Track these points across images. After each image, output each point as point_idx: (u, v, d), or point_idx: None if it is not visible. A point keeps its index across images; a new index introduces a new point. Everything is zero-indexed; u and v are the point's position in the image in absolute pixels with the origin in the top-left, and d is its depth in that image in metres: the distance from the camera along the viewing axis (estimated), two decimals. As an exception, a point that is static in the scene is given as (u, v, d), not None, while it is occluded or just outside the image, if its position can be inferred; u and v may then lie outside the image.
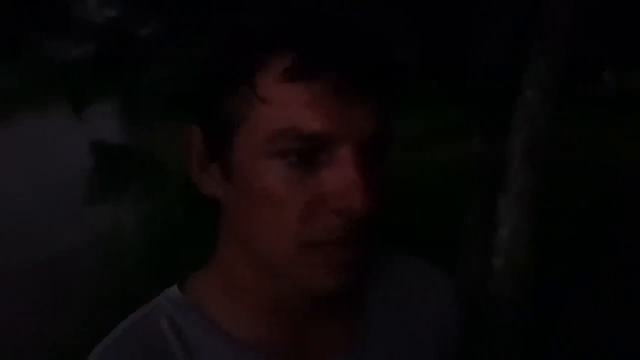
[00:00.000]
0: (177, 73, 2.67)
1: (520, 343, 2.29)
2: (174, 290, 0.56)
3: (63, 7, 2.61)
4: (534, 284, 2.32)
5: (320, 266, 0.47)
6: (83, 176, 3.64)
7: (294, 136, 0.44)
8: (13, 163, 7.02)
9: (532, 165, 2.22)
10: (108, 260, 3.84)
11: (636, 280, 2.94)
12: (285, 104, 0.44)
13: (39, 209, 5.17)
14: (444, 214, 3.32)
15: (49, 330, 2.87)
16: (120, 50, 2.68)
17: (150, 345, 0.51)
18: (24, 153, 7.49)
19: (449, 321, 0.64)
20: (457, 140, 4.21)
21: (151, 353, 0.51)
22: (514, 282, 2.27)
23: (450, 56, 2.76)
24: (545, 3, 2.16)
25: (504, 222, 2.26)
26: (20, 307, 3.34)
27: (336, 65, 0.43)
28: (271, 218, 0.47)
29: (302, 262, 0.47)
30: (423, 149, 5.93)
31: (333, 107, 0.44)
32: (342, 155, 0.44)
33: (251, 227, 0.49)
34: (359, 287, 0.60)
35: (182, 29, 2.63)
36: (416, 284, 0.64)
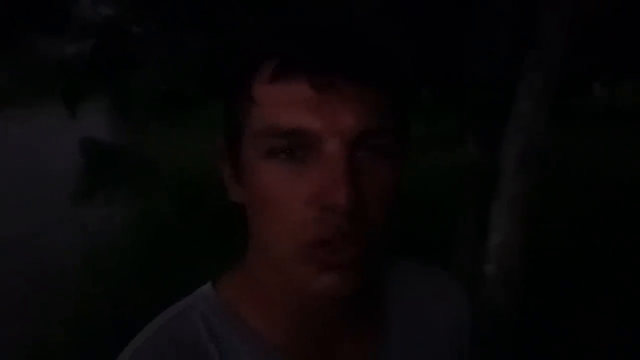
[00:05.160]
0: (170, 72, 2.67)
1: (511, 349, 2.29)
2: (207, 289, 0.57)
3: (60, 5, 2.60)
4: (525, 291, 2.33)
5: (316, 266, 0.47)
6: (72, 176, 3.61)
7: (276, 133, 0.46)
8: (1, 162, 6.95)
9: (525, 174, 2.23)
10: (96, 260, 3.81)
11: (626, 287, 2.97)
12: (269, 104, 0.47)
13: (27, 208, 5.12)
14: (436, 220, 3.32)
15: (34, 328, 2.84)
16: (115, 49, 2.67)
17: (184, 343, 0.52)
18: (12, 151, 7.42)
19: (462, 328, 0.66)
20: (449, 148, 4.23)
21: (185, 350, 0.52)
22: (505, 289, 2.28)
23: (445, 65, 2.77)
24: (540, 15, 2.18)
25: (496, 229, 2.27)
26: (6, 305, 3.30)
27: (312, 67, 0.46)
28: (274, 218, 0.48)
29: (300, 262, 0.47)
30: (416, 155, 5.91)
31: (314, 105, 0.45)
32: (328, 151, 0.45)
33: (260, 229, 0.50)
34: (378, 294, 0.61)
35: (176, 29, 2.62)
36: (433, 292, 0.66)
